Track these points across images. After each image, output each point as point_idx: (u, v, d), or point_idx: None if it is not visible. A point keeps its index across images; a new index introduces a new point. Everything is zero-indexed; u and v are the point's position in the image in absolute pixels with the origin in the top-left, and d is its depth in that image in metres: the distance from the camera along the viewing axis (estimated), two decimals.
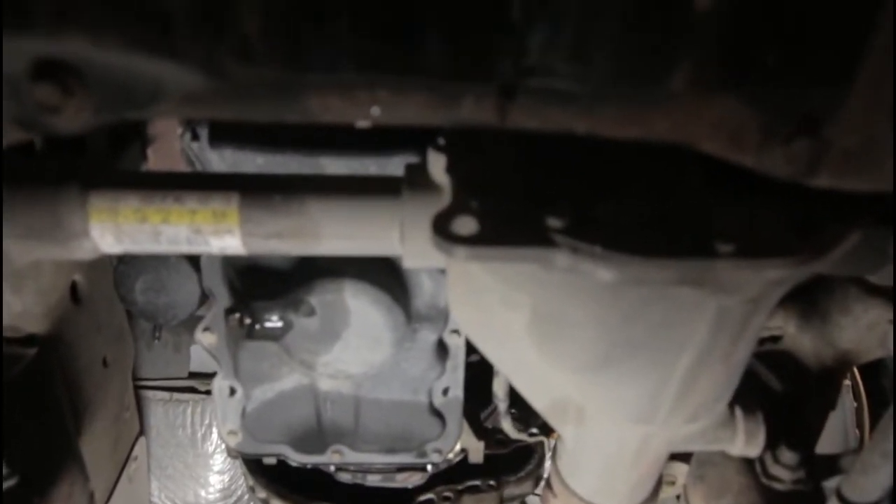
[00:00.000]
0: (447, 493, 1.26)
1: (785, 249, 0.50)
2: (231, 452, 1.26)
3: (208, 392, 1.67)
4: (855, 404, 1.67)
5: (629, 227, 0.50)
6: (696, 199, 0.53)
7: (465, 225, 0.52)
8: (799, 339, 1.05)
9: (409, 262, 0.66)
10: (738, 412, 0.74)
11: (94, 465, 1.04)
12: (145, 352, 1.64)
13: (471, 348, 1.08)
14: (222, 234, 0.65)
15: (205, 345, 1.01)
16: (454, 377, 1.08)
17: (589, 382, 0.67)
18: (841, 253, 0.53)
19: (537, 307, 0.63)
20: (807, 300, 1.04)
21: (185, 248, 0.66)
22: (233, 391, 1.06)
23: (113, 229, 0.64)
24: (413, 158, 0.85)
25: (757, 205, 0.53)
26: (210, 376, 1.11)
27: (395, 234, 0.64)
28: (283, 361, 1.04)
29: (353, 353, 1.00)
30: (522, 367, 0.73)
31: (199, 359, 1.69)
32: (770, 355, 1.05)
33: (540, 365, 0.68)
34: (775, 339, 1.08)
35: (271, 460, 1.17)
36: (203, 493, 1.72)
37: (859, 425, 1.67)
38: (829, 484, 0.90)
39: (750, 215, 0.52)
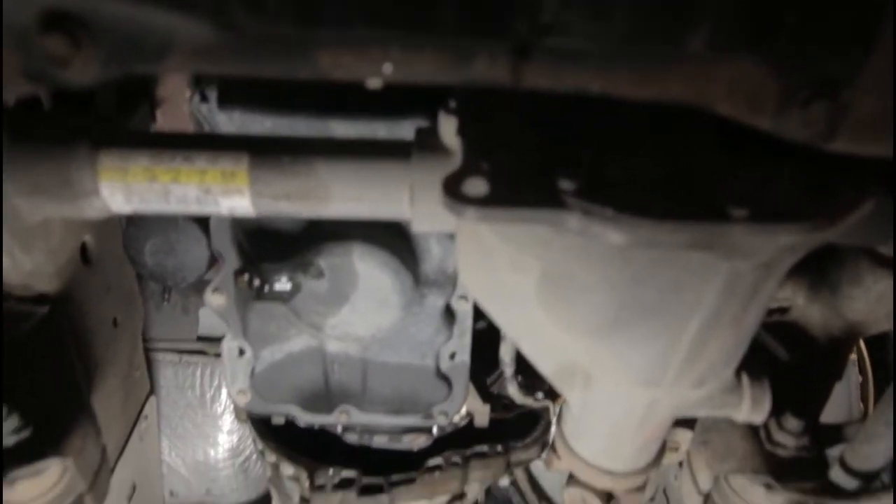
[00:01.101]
0: (455, 459, 1.28)
1: (799, 215, 0.49)
2: (240, 415, 1.28)
3: (217, 355, 1.69)
4: (860, 378, 1.68)
5: (641, 190, 0.50)
6: (709, 162, 0.52)
7: (476, 186, 0.51)
8: (808, 310, 1.05)
9: (418, 226, 0.66)
10: (745, 379, 0.74)
11: (105, 422, 1.06)
12: (154, 314, 1.66)
13: (477, 315, 1.08)
14: (232, 194, 0.65)
15: (214, 306, 1.01)
16: (461, 342, 1.08)
17: (597, 346, 0.67)
18: (855, 220, 0.52)
19: (546, 270, 0.63)
20: (816, 272, 1.03)
21: (195, 208, 0.66)
22: (242, 352, 1.07)
23: (123, 188, 0.64)
24: (424, 123, 0.84)
25: (771, 169, 0.52)
26: (218, 340, 1.12)
27: (405, 197, 0.64)
28: (292, 323, 1.04)
29: (361, 316, 1.00)
30: (530, 331, 0.73)
31: (207, 323, 1.70)
32: (778, 326, 1.05)
33: (548, 328, 0.69)
34: (783, 310, 1.08)
35: (280, 420, 1.19)
36: (212, 453, 1.75)
37: (863, 399, 1.67)
38: (833, 452, 0.90)
39: (764, 180, 0.52)
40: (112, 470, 1.17)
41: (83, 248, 1.07)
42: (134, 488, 1.49)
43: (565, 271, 0.62)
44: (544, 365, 0.77)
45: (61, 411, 0.87)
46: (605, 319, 0.64)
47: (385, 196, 0.65)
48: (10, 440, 0.80)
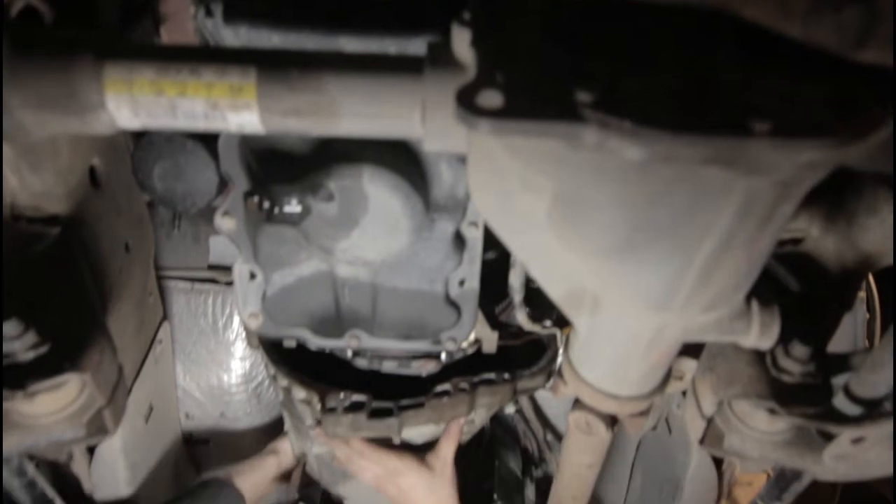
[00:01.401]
0: (463, 385, 1.30)
1: (823, 130, 0.48)
2: (252, 341, 1.31)
3: (228, 283, 1.71)
4: (867, 316, 1.68)
5: (661, 103, 0.48)
6: (731, 74, 0.51)
7: (491, 98, 0.50)
8: (821, 241, 1.04)
9: (429, 144, 0.65)
10: (755, 304, 0.74)
11: (121, 344, 1.08)
12: (165, 242, 1.67)
13: (488, 245, 1.08)
14: (240, 110, 0.64)
15: (224, 229, 1.02)
16: (471, 269, 1.08)
17: (607, 269, 0.67)
18: (880, 140, 0.51)
19: (558, 190, 0.62)
20: (832, 202, 1.02)
21: (203, 124, 0.65)
22: (253, 275, 1.08)
23: (129, 101, 0.63)
24: (435, 39, 0.82)
25: (795, 84, 0.51)
26: (228, 269, 1.13)
27: (417, 113, 0.63)
28: (302, 247, 1.05)
29: (371, 240, 1.00)
30: (540, 254, 0.73)
31: (218, 251, 1.71)
32: (790, 257, 1.05)
33: (559, 251, 0.68)
34: (797, 241, 1.07)
35: (291, 343, 1.21)
36: (226, 378, 1.80)
37: (870, 336, 1.68)
38: (838, 381, 0.91)
39: (787, 95, 0.50)
40: (129, 391, 1.20)
41: (92, 171, 1.07)
42: (151, 409, 1.53)
43: (578, 191, 0.61)
44: (554, 289, 0.77)
45: (78, 329, 0.89)
46: (617, 242, 0.63)
47: (396, 113, 0.63)
48: (28, 355, 0.81)
